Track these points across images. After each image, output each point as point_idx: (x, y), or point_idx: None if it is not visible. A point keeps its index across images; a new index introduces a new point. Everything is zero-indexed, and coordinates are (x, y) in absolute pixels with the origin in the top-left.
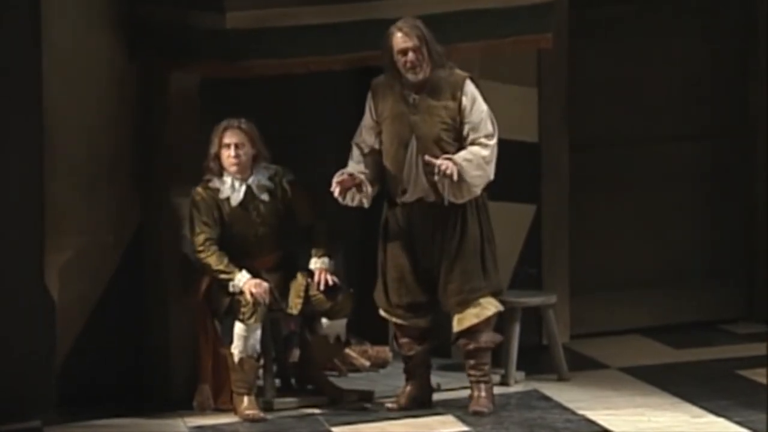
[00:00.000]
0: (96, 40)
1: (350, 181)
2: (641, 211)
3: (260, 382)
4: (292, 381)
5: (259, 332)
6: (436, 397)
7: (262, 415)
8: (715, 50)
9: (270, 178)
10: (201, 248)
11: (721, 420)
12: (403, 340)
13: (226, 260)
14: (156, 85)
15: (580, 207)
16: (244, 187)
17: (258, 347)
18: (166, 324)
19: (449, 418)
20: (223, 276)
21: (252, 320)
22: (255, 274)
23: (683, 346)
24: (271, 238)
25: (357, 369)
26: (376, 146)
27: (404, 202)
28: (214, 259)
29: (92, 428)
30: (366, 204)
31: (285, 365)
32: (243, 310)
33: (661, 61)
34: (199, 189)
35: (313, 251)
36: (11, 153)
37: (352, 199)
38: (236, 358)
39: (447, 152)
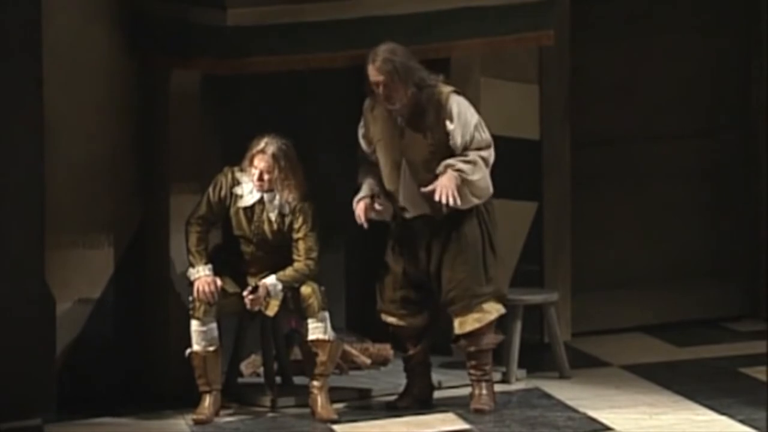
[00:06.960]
0: (96, 37)
1: (371, 208)
2: (643, 209)
3: (261, 380)
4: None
5: (214, 326)
6: (437, 395)
7: (210, 420)
8: (717, 47)
9: (284, 208)
10: (191, 221)
11: (723, 418)
12: (401, 341)
13: (203, 246)
14: (156, 82)
15: (582, 204)
16: (257, 197)
17: (216, 336)
18: (166, 324)
19: (450, 416)
20: (190, 257)
21: (201, 314)
22: (237, 273)
23: (685, 344)
24: (265, 252)
25: (358, 367)
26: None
27: (406, 218)
28: (193, 237)
29: (92, 427)
30: (388, 218)
31: (286, 363)
32: (191, 305)
33: (662, 58)
34: (228, 172)
35: (279, 273)
36: (12, 153)
37: (376, 215)
38: (200, 356)
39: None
